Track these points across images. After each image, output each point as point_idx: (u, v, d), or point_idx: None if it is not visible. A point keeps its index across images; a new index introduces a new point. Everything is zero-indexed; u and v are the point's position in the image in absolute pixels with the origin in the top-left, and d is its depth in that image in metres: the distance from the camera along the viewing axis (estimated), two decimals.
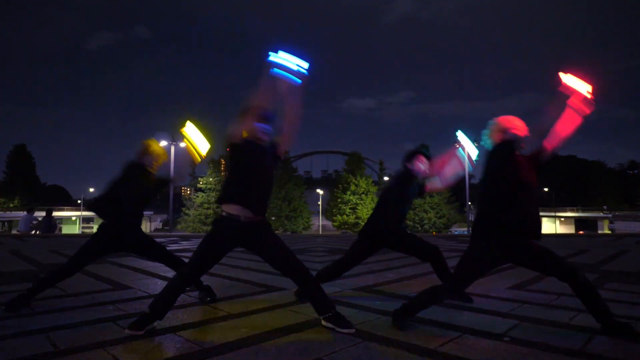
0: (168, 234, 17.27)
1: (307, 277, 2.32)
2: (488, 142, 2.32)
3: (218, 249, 2.29)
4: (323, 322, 2.26)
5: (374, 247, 2.96)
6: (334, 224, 37.30)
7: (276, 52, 2.13)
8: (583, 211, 50.33)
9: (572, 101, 2.26)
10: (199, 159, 2.86)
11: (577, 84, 2.26)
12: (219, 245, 2.29)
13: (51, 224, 12.35)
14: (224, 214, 2.29)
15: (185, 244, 8.57)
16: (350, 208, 35.78)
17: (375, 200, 29.55)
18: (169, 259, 2.90)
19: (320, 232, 37.13)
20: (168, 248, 7.60)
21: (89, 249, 2.71)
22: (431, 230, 34.11)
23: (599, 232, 39.19)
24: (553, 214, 49.40)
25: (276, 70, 2.12)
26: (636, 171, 61.97)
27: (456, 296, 2.86)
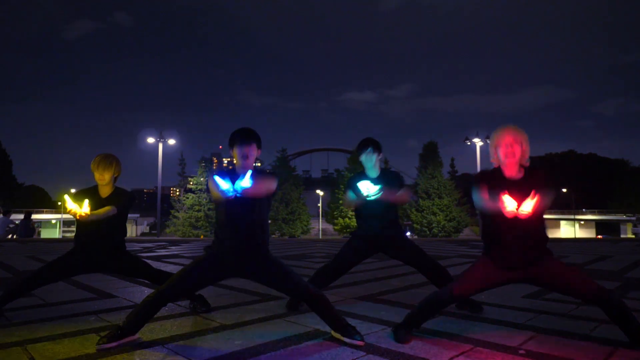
0: (155, 238, 17.28)
1: (313, 295, 2.32)
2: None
3: (206, 277, 2.33)
4: (332, 334, 2.27)
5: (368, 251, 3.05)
6: (335, 227, 37.27)
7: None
8: (605, 214, 50.33)
9: None
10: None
11: None
12: (208, 274, 2.32)
13: (29, 227, 12.37)
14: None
15: (174, 249, 8.58)
16: (352, 211, 35.76)
17: None
18: (154, 275, 2.92)
19: (320, 237, 37.14)
20: (156, 253, 7.64)
21: (58, 262, 2.76)
22: (440, 234, 34.11)
23: (622, 236, 39.18)
24: (572, 216, 49.40)
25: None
26: None
27: (460, 304, 2.88)
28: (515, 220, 2.07)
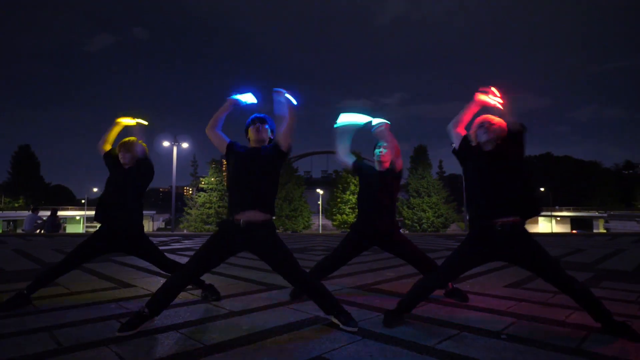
0: (170, 233, 17.27)
1: (306, 280, 2.32)
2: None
3: (219, 252, 2.30)
4: (332, 320, 2.27)
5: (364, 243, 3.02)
6: (334, 223, 37.24)
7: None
8: (579, 210, 50.37)
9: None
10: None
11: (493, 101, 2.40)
12: (219, 248, 2.30)
13: (55, 223, 12.35)
14: (228, 217, 2.32)
15: (187, 243, 8.57)
16: (349, 208, 35.73)
17: None
18: (165, 263, 2.93)
19: (320, 232, 37.11)
20: (171, 246, 7.64)
21: (83, 247, 2.77)
22: (429, 230, 34.08)
23: (595, 231, 39.17)
24: (550, 213, 49.41)
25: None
26: (632, 171, 61.99)
27: (448, 293, 2.88)
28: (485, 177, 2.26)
